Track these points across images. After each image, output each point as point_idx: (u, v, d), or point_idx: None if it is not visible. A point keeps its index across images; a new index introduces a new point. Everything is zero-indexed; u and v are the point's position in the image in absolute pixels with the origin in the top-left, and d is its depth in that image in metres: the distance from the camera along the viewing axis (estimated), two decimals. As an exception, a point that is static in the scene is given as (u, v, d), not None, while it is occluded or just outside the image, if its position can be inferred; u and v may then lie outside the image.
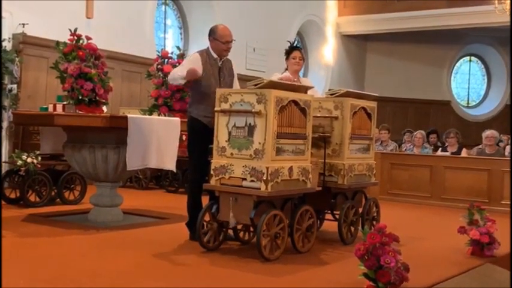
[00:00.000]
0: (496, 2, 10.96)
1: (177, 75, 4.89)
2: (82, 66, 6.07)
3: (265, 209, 4.30)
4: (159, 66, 8.56)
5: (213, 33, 5.00)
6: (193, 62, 4.92)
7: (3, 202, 6.36)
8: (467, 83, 17.34)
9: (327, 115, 5.05)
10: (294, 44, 5.56)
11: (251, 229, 4.72)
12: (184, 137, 6.20)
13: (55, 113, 5.63)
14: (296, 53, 5.46)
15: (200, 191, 4.85)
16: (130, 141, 5.27)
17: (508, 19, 11.06)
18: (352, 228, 5.15)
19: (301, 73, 5.80)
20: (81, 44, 6.20)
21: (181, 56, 8.70)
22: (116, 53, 9.20)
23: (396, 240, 3.55)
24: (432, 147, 10.03)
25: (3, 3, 6.68)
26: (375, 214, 5.53)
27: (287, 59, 5.50)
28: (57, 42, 6.36)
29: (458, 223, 4.89)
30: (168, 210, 6.53)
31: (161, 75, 8.51)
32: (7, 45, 7.89)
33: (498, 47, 16.45)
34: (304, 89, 4.70)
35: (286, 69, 5.50)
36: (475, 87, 17.40)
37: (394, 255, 3.43)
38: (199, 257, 4.35)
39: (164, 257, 4.32)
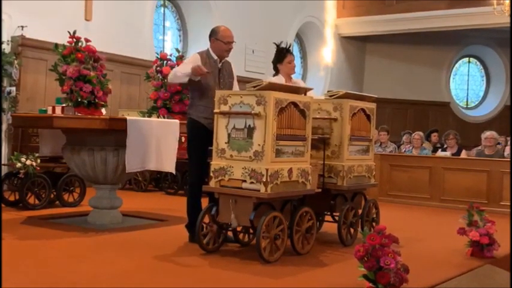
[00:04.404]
0: (495, 3, 10.96)
1: (180, 73, 4.84)
2: (81, 69, 6.08)
3: (264, 210, 4.29)
4: (158, 68, 8.57)
5: (214, 34, 5.01)
6: (193, 62, 4.92)
7: (2, 205, 6.35)
8: (466, 84, 17.34)
9: (326, 117, 5.05)
10: (287, 46, 5.42)
11: (251, 231, 4.72)
12: (183, 139, 6.20)
13: (54, 115, 5.63)
14: (291, 57, 5.39)
15: (200, 193, 4.85)
16: (130, 144, 5.27)
17: (506, 20, 11.07)
18: (352, 230, 5.14)
19: (297, 75, 5.78)
20: (80, 46, 6.21)
21: (180, 58, 8.70)
22: (115, 55, 9.20)
23: (396, 241, 3.55)
24: (432, 148, 10.05)
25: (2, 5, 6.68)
26: (375, 215, 5.52)
27: (280, 63, 5.37)
28: (56, 45, 6.36)
29: (457, 224, 4.89)
30: (168, 212, 6.53)
31: (160, 77, 8.52)
32: (6, 47, 7.89)
33: (497, 48, 16.46)
34: (304, 91, 4.70)
35: (277, 73, 5.39)
36: (474, 88, 17.40)
37: (393, 256, 3.43)
38: (199, 259, 4.35)
39: (164, 259, 4.31)
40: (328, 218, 5.35)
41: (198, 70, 4.72)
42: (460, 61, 17.20)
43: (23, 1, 8.20)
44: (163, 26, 11.52)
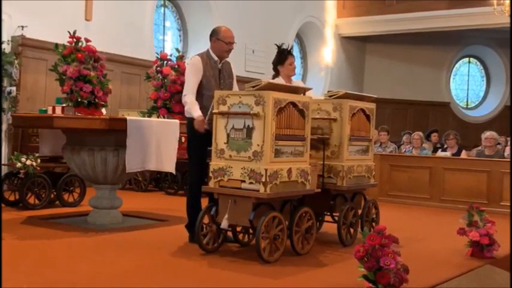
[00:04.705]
0: (495, 3, 10.96)
1: (187, 107, 4.83)
2: (81, 69, 6.07)
3: (264, 211, 4.29)
4: (158, 68, 8.56)
5: (216, 34, 5.01)
6: (194, 67, 4.90)
7: (2, 205, 6.35)
8: (466, 85, 17.34)
9: (325, 117, 5.05)
10: (288, 48, 5.42)
11: (250, 231, 4.72)
12: (183, 139, 6.20)
13: (54, 115, 5.63)
14: (292, 59, 5.40)
15: (199, 193, 4.85)
16: (130, 144, 5.27)
17: (507, 20, 11.07)
18: (352, 230, 5.15)
19: (297, 75, 5.79)
20: (80, 46, 6.20)
21: (181, 58, 8.70)
22: (115, 55, 9.20)
23: (396, 241, 3.55)
24: (432, 148, 10.05)
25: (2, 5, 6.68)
26: (374, 216, 5.53)
27: (281, 64, 5.37)
28: (56, 45, 6.36)
29: (457, 224, 4.89)
30: (167, 212, 6.53)
31: (160, 77, 8.52)
32: (6, 47, 7.89)
33: (497, 48, 16.46)
34: (303, 91, 4.70)
35: (277, 74, 5.39)
36: (474, 88, 17.40)
37: (393, 256, 3.43)
38: (199, 259, 4.35)
39: (163, 259, 4.32)
40: (328, 218, 5.35)
41: (198, 126, 4.70)
42: (460, 61, 17.20)
43: (23, 1, 8.20)
44: (164, 26, 11.52)
